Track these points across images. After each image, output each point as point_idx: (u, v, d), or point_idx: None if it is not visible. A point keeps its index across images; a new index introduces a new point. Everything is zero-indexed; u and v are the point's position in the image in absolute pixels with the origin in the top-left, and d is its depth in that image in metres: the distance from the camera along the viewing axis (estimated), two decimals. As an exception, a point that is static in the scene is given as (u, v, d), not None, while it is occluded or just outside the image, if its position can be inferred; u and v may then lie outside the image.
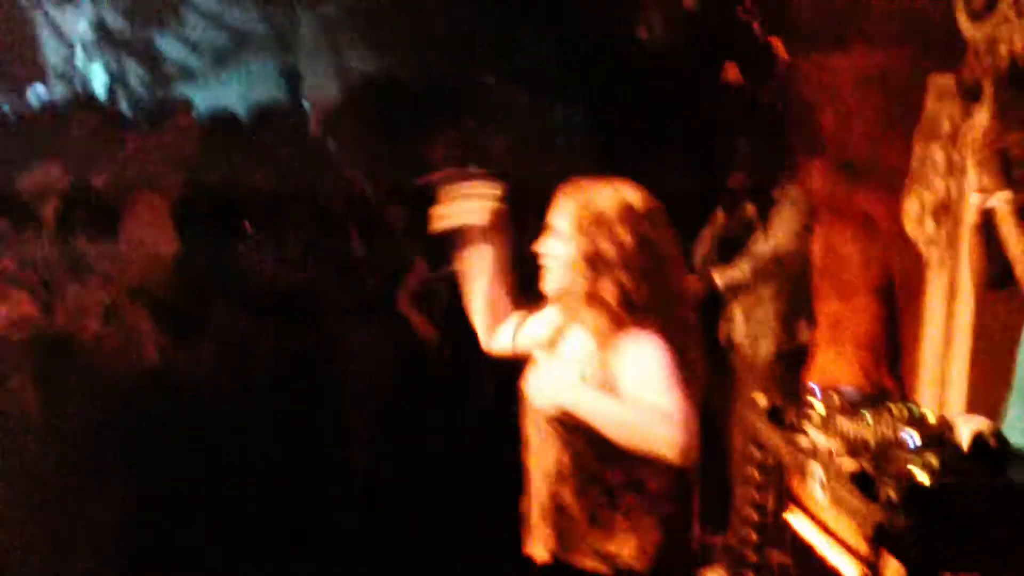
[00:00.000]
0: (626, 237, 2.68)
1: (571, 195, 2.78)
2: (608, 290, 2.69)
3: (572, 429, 2.74)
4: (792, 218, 4.96)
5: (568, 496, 2.78)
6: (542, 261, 2.81)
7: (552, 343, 2.88)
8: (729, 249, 5.10)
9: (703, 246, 5.16)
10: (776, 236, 4.96)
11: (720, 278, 5.01)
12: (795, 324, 5.07)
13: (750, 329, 5.09)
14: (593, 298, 2.70)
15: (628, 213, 2.71)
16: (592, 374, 2.71)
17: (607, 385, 2.68)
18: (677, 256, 2.80)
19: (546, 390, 2.77)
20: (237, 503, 4.82)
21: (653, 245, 2.71)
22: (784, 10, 6.21)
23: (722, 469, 5.14)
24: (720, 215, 5.11)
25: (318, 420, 5.26)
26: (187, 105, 5.64)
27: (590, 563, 2.80)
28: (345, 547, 4.86)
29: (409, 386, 5.41)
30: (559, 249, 2.76)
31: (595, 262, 2.70)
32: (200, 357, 4.85)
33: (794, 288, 5.06)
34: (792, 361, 5.06)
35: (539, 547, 2.86)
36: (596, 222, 2.70)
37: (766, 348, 5.05)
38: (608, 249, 2.68)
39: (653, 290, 2.70)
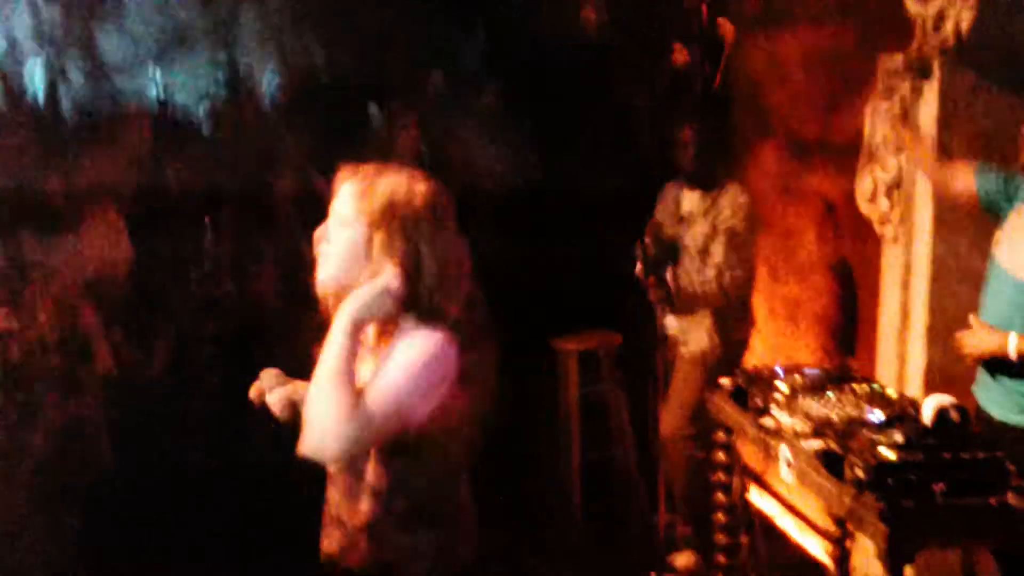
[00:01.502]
0: (417, 230, 2.47)
1: (358, 180, 2.54)
2: (395, 272, 2.48)
3: None
4: (733, 233, 4.95)
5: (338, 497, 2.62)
6: (317, 250, 2.56)
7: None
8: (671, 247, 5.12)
9: (651, 234, 5.17)
10: (722, 260, 4.94)
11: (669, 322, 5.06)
12: (731, 323, 5.07)
13: (683, 323, 5.09)
14: (388, 277, 2.47)
15: (420, 205, 2.49)
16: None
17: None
18: (465, 254, 2.58)
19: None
20: (186, 504, 4.80)
21: (440, 242, 2.50)
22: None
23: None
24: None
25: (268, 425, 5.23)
26: (139, 105, 5.53)
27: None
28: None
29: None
30: (340, 235, 2.52)
31: (385, 253, 2.47)
32: (152, 360, 4.79)
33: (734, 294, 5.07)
34: (727, 356, 5.06)
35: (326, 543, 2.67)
36: (385, 211, 2.48)
37: (697, 343, 5.06)
38: (399, 240, 2.47)
39: (442, 290, 2.49)
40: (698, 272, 4.97)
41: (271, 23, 8.90)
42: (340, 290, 2.52)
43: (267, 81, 8.21)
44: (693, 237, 5.03)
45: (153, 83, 8.00)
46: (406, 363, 2.42)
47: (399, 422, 2.41)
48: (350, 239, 2.50)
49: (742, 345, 5.17)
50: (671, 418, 5.04)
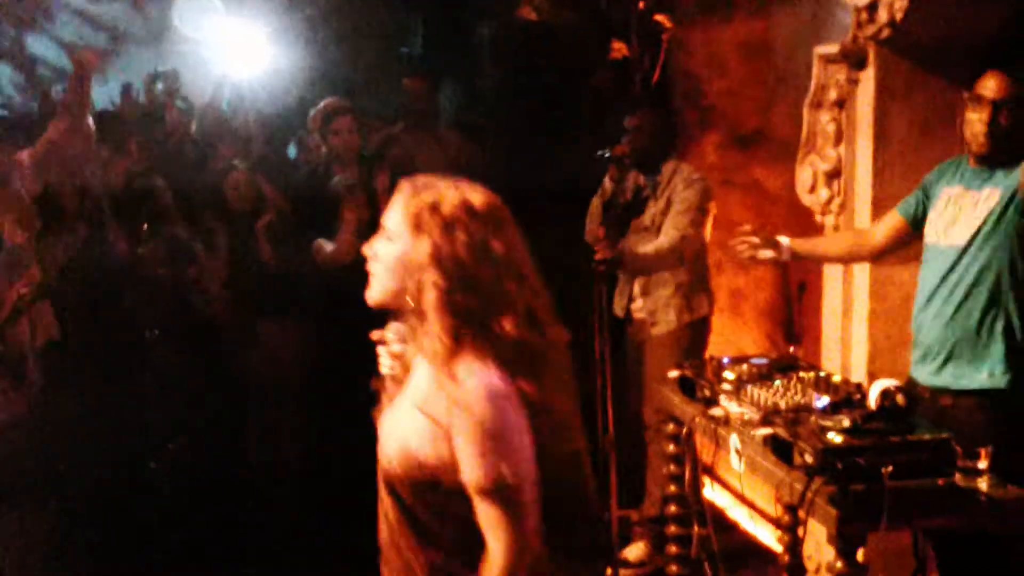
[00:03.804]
0: (463, 237, 2.33)
1: (406, 192, 2.43)
2: (441, 297, 2.31)
3: (393, 492, 2.40)
4: (689, 200, 5.00)
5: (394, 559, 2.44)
6: (369, 266, 2.45)
7: (399, 373, 2.50)
8: (619, 220, 5.13)
9: (593, 218, 5.19)
10: (675, 222, 4.98)
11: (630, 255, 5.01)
12: (694, 299, 5.12)
13: (650, 304, 5.13)
14: (425, 304, 2.33)
15: (468, 212, 2.36)
16: (432, 410, 2.31)
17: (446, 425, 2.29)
18: (527, 267, 2.41)
19: (388, 448, 2.40)
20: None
21: (494, 253, 2.35)
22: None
23: (636, 443, 5.18)
24: (608, 184, 5.13)
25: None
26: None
27: None
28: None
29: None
30: (386, 249, 2.41)
31: (427, 262, 2.33)
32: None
33: (693, 265, 5.11)
34: (693, 335, 5.11)
35: None
36: (431, 218, 2.35)
37: (667, 323, 5.09)
38: (443, 248, 2.33)
39: (492, 305, 2.33)
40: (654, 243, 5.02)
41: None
42: (390, 305, 2.44)
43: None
44: (650, 216, 5.07)
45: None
46: (481, 434, 2.25)
47: (526, 485, 2.28)
48: (396, 252, 2.39)
49: (706, 324, 5.22)
50: (654, 406, 5.01)
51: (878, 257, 4.28)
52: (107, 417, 4.59)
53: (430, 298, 2.32)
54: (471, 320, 2.31)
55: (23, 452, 4.05)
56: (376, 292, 2.44)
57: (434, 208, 2.35)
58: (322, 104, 5.77)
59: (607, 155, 4.88)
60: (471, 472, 2.27)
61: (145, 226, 5.07)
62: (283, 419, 5.58)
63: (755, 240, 4.27)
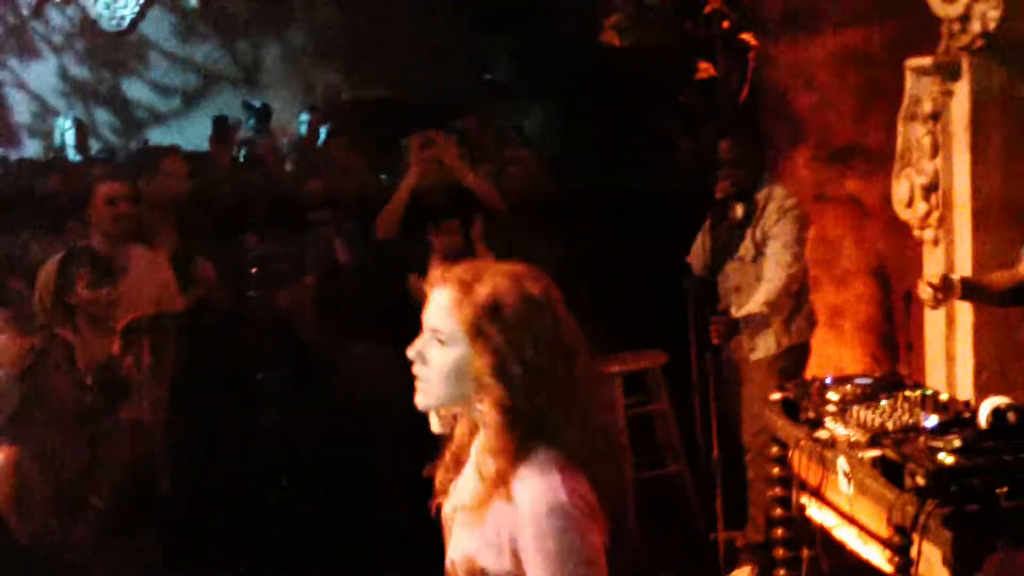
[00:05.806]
0: (529, 339, 2.10)
1: (453, 288, 2.16)
2: (503, 419, 2.10)
3: None
4: (786, 233, 4.95)
5: None
6: (415, 371, 2.20)
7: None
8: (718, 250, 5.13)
9: (700, 256, 5.17)
10: (778, 260, 4.93)
11: (737, 312, 4.99)
12: (794, 323, 5.06)
13: (748, 328, 5.07)
14: (486, 423, 2.13)
15: (531, 306, 2.13)
16: (494, 522, 2.12)
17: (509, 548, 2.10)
18: (582, 348, 2.18)
19: (452, 552, 2.23)
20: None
21: (563, 344, 2.14)
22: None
23: (737, 467, 5.15)
24: (709, 225, 5.13)
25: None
26: (175, 150, 5.59)
27: None
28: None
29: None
30: (439, 354, 2.16)
31: (489, 375, 2.10)
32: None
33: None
34: (793, 358, 5.05)
35: None
36: (491, 324, 2.10)
37: (765, 348, 5.04)
38: (508, 357, 2.10)
39: (561, 400, 2.12)
40: (755, 277, 4.98)
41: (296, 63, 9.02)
42: (443, 409, 2.24)
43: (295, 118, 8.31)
44: (745, 246, 5.04)
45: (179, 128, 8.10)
46: (545, 554, 2.06)
47: None
48: (451, 359, 2.15)
49: (805, 349, 5.15)
50: (754, 429, 4.98)
51: None
52: (221, 449, 4.70)
53: (492, 418, 2.12)
54: (537, 431, 2.11)
55: (141, 481, 4.14)
56: (428, 400, 2.20)
57: (494, 312, 2.11)
58: (419, 134, 5.83)
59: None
60: None
61: (255, 270, 5.18)
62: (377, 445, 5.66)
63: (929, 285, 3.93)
